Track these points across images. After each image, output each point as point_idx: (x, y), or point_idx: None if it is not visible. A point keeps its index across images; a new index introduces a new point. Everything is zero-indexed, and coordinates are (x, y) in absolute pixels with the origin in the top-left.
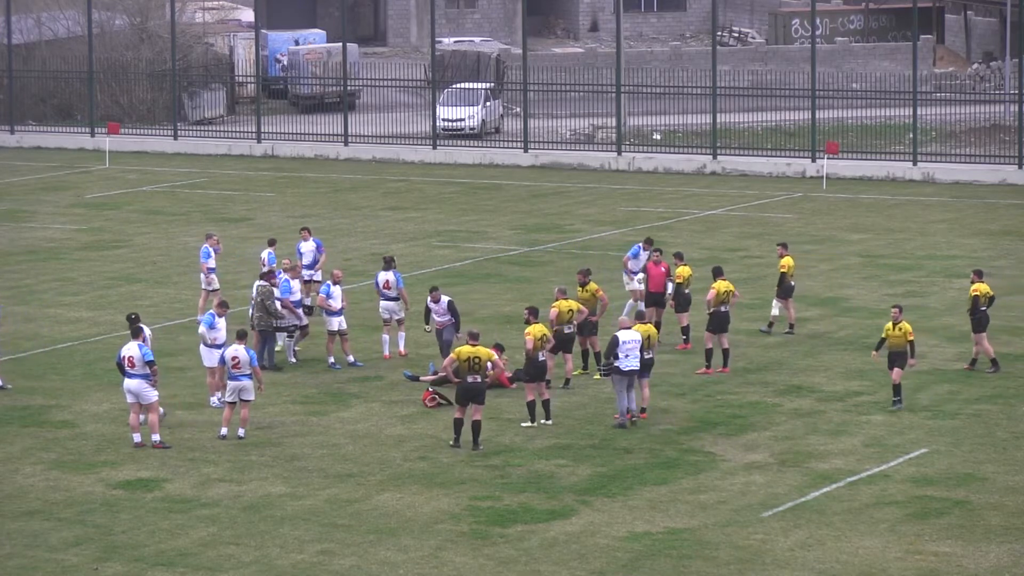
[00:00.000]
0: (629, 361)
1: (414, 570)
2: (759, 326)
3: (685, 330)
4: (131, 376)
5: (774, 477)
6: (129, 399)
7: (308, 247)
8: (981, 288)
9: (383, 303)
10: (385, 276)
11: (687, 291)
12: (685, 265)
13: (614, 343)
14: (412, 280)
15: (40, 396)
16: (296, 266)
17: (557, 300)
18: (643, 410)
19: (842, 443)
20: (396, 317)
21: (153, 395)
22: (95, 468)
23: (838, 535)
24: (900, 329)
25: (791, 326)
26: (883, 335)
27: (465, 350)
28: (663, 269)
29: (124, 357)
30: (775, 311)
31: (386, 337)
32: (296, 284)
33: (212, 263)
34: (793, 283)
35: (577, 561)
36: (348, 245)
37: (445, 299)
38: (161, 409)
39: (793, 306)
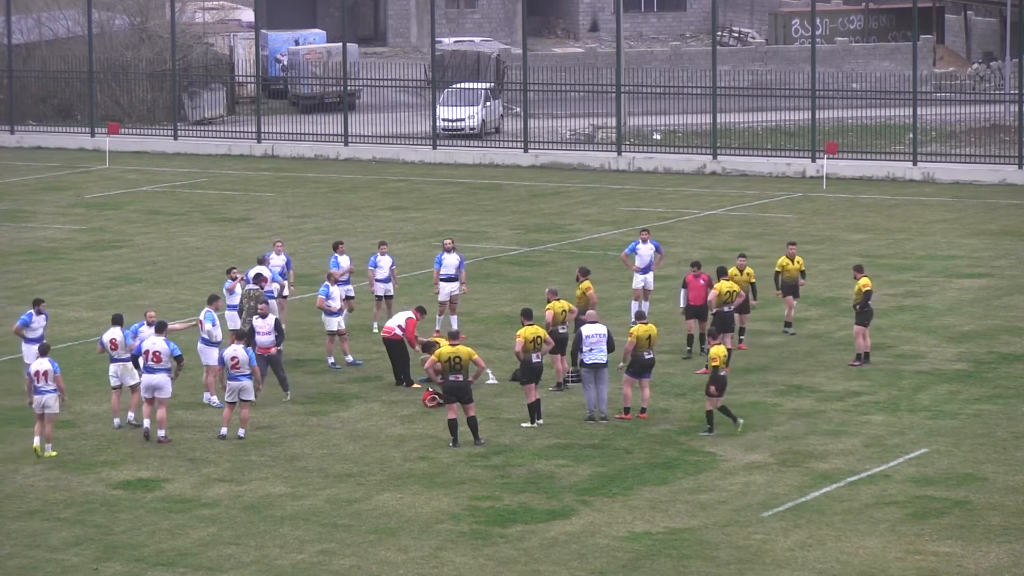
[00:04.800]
0: (594, 355)
1: (414, 570)
2: (758, 326)
3: (741, 330)
4: (152, 371)
5: (774, 477)
6: (145, 395)
7: (344, 261)
8: (869, 283)
9: (443, 284)
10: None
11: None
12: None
13: (578, 338)
14: (412, 280)
15: None
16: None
17: (550, 301)
18: (643, 410)
19: (842, 443)
20: (455, 294)
21: (170, 390)
22: (95, 468)
23: (838, 535)
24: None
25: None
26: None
27: (446, 350)
28: (703, 281)
29: (148, 351)
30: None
31: (440, 317)
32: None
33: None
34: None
35: (577, 561)
36: (348, 245)
37: (272, 318)
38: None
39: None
